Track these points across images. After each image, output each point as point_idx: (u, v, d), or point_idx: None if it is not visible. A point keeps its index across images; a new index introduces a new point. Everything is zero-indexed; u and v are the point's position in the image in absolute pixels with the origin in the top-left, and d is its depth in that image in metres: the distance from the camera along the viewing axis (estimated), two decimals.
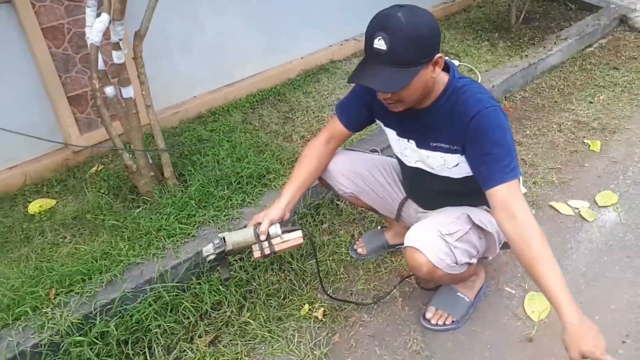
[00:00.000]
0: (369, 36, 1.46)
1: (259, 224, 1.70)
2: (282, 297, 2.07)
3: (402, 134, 1.74)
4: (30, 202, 2.56)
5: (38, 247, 2.25)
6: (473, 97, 1.54)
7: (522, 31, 3.95)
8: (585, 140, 2.86)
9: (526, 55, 3.50)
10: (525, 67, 3.36)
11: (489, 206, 1.78)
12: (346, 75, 3.57)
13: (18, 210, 2.53)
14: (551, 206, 2.42)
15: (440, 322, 1.90)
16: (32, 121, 2.60)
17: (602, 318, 1.86)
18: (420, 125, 1.65)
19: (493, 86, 3.19)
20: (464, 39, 3.94)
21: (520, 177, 1.56)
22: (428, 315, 1.92)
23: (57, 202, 2.56)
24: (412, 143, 1.71)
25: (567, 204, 2.41)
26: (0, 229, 2.39)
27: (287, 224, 1.76)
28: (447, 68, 1.61)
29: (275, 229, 1.70)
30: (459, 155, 1.61)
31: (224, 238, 1.68)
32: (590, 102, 3.21)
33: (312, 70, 3.57)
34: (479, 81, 3.22)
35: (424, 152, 1.69)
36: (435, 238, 1.60)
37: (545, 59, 3.50)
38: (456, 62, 3.53)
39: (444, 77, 1.59)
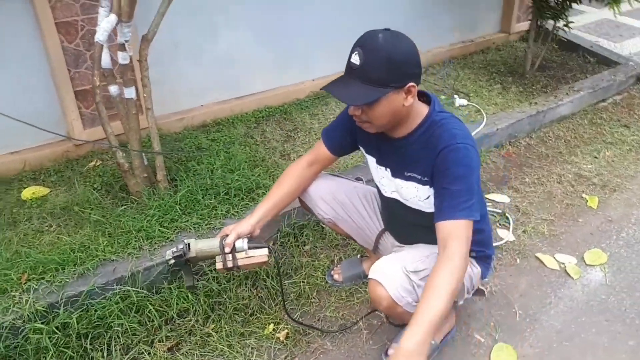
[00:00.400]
0: (351, 50, 1.50)
1: (227, 235, 1.70)
2: (249, 313, 2.06)
3: (380, 161, 1.75)
4: (25, 188, 2.61)
5: (22, 232, 2.28)
6: (448, 132, 1.54)
7: (536, 78, 3.94)
8: (584, 195, 2.81)
9: (536, 103, 3.48)
10: (533, 114, 3.34)
11: None
12: None
13: (12, 194, 2.58)
14: (537, 257, 2.38)
15: None
16: (38, 111, 2.66)
17: None
18: (397, 154, 1.66)
19: (497, 129, 3.17)
20: (477, 80, 3.95)
21: (473, 219, 1.52)
22: (390, 352, 1.88)
23: (50, 191, 2.61)
24: (389, 172, 1.72)
25: (554, 258, 2.37)
26: None
27: (257, 241, 1.76)
28: (430, 101, 1.62)
29: (242, 243, 1.70)
30: (429, 187, 1.61)
31: (188, 244, 1.69)
32: (595, 157, 3.17)
33: (322, 93, 3.60)
34: (484, 123, 3.21)
35: (398, 181, 1.69)
36: (399, 274, 1.59)
37: (555, 108, 3.48)
38: (464, 102, 3.53)
39: (423, 110, 1.60)
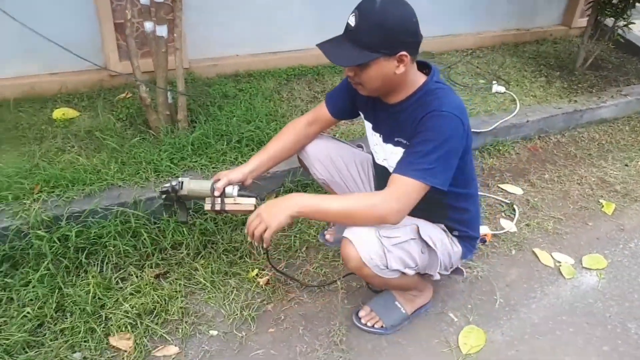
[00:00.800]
0: (352, 11, 1.51)
1: (220, 180, 1.77)
2: (237, 255, 2.15)
3: (375, 127, 1.77)
4: (57, 108, 2.77)
5: (45, 147, 2.45)
6: (438, 99, 1.54)
7: (585, 76, 3.79)
8: (601, 200, 2.73)
9: (575, 101, 3.36)
10: (569, 112, 3.23)
11: (448, 225, 1.79)
12: None
13: (45, 112, 2.75)
14: (534, 252, 2.35)
15: (369, 324, 1.91)
16: (79, 38, 2.79)
17: None
18: (390, 119, 1.68)
19: (527, 121, 3.09)
20: (522, 69, 3.83)
21: (426, 184, 1.52)
22: (361, 313, 1.94)
23: (79, 115, 2.76)
24: (381, 138, 1.74)
25: (551, 255, 2.33)
26: (23, 124, 2.61)
27: (248, 191, 1.82)
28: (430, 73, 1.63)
29: (232, 190, 1.76)
30: None
31: (182, 182, 1.77)
32: (626, 165, 3.05)
33: None
34: (515, 112, 3.14)
35: (388, 147, 1.71)
36: (372, 237, 1.62)
37: (596, 109, 3.35)
38: (502, 89, 3.44)
39: (420, 79, 1.61)
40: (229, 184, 1.77)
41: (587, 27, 3.77)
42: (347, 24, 1.50)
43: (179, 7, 2.40)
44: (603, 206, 2.69)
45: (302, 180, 2.48)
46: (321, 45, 1.55)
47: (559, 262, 2.31)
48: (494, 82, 3.55)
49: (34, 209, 2.02)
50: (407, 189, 1.52)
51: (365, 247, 1.61)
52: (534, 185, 2.81)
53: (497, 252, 2.33)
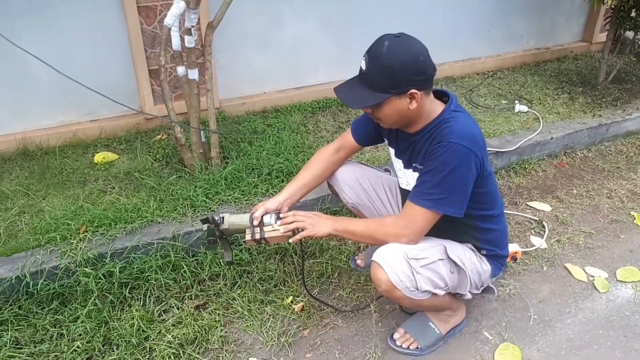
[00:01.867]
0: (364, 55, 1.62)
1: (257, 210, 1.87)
2: (272, 284, 2.22)
3: (397, 154, 1.86)
4: (97, 152, 2.94)
5: (89, 190, 2.60)
6: (449, 128, 1.62)
7: (608, 90, 3.79)
8: (632, 212, 2.71)
9: (600, 115, 3.36)
10: (594, 127, 3.24)
11: (475, 245, 1.83)
12: None
13: (86, 157, 2.92)
14: (566, 267, 2.35)
15: (404, 345, 1.95)
16: (116, 85, 2.98)
17: None
18: (409, 148, 1.76)
19: (552, 138, 3.11)
20: (545, 87, 3.86)
21: (437, 212, 1.63)
22: (396, 335, 1.98)
23: (118, 158, 2.92)
24: (402, 163, 1.82)
25: (584, 270, 2.33)
26: (67, 169, 2.79)
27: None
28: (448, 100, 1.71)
29: (269, 219, 1.85)
30: None
31: (222, 217, 1.87)
32: None
33: None
34: (539, 130, 3.16)
35: (408, 172, 1.79)
36: (400, 259, 1.67)
37: (621, 122, 3.34)
38: (525, 108, 3.47)
39: (438, 108, 1.69)
40: (266, 212, 1.86)
41: (607, 41, 3.79)
42: (360, 67, 1.62)
43: (209, 51, 2.55)
44: (635, 218, 2.67)
45: (330, 207, 2.56)
46: (337, 89, 1.67)
47: (592, 276, 2.31)
48: (517, 101, 3.59)
49: (80, 247, 2.15)
50: (416, 217, 1.65)
51: (394, 269, 1.67)
52: (563, 201, 2.81)
53: (529, 269, 2.35)
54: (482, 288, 1.92)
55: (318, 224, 1.77)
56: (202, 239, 2.32)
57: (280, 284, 2.23)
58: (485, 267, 1.86)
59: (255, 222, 1.84)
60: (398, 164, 1.86)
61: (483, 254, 1.86)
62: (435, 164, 1.60)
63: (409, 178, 1.80)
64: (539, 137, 3.12)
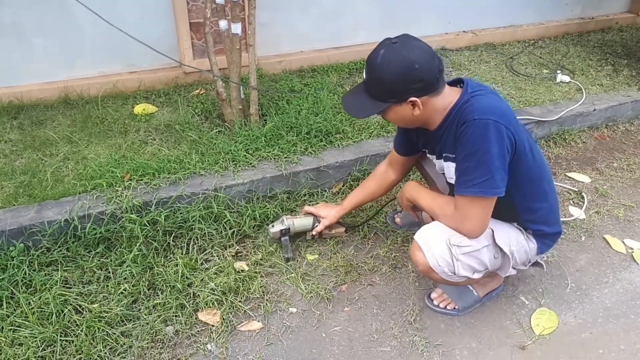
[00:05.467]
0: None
1: (311, 215, 2.22)
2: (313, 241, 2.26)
3: (430, 151, 1.87)
4: (137, 104, 2.97)
5: (130, 140, 2.64)
6: (471, 107, 1.58)
7: None
8: None
9: None
10: (639, 100, 3.16)
11: (521, 223, 1.82)
12: (452, 64, 3.60)
13: (126, 108, 2.95)
14: (604, 238, 2.34)
15: (442, 305, 1.97)
16: (157, 37, 2.97)
17: (605, 353, 1.83)
18: (436, 141, 1.76)
19: (594, 110, 3.06)
20: (588, 58, 3.76)
21: (487, 196, 1.59)
22: (433, 295, 2.00)
23: (158, 110, 2.95)
24: (434, 158, 1.84)
25: (623, 242, 2.32)
26: (108, 119, 2.82)
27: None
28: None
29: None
30: None
31: (288, 227, 2.17)
32: None
33: None
34: (581, 101, 3.10)
35: (442, 163, 1.79)
36: (442, 244, 1.67)
37: None
38: (567, 79, 3.40)
39: (453, 97, 1.65)
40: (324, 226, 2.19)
41: None
42: (363, 76, 1.64)
43: (253, 5, 2.53)
44: None
45: (368, 169, 2.56)
46: (344, 98, 1.71)
47: (632, 248, 2.29)
48: (558, 71, 3.51)
49: (126, 195, 2.19)
50: (468, 208, 1.63)
51: (434, 253, 1.67)
52: (602, 173, 2.78)
53: (567, 238, 2.34)
54: (529, 264, 1.92)
55: (403, 194, 1.93)
56: (242, 192, 2.35)
57: (315, 241, 2.27)
58: (532, 245, 1.84)
59: (315, 234, 2.25)
60: (433, 159, 1.87)
61: (529, 233, 1.85)
62: (467, 147, 1.56)
63: (443, 169, 1.79)
64: (581, 108, 3.06)
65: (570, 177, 2.74)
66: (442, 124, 1.68)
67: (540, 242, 1.86)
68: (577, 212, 2.48)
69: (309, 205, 2.32)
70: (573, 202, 2.57)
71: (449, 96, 1.65)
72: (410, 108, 1.60)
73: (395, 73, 1.53)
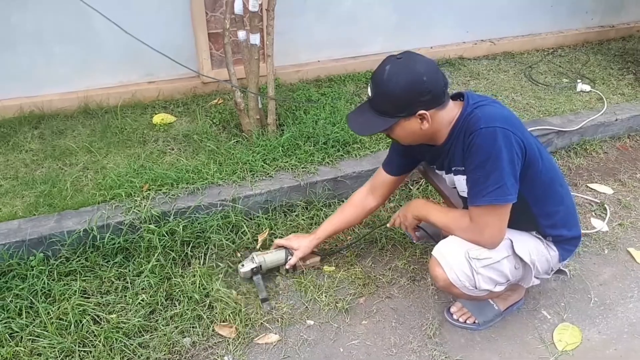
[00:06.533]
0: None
1: (283, 247, 2.11)
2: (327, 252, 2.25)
3: (438, 167, 1.85)
4: (156, 114, 2.99)
5: (149, 150, 2.65)
6: (475, 117, 1.57)
7: None
8: None
9: None
10: None
11: (540, 230, 1.79)
12: (470, 74, 3.57)
13: (145, 118, 2.98)
14: (628, 252, 2.29)
15: (461, 319, 1.94)
16: (175, 47, 2.99)
17: None
18: (442, 157, 1.75)
19: (616, 119, 3.01)
20: (609, 67, 3.71)
21: (501, 204, 1.56)
22: (453, 309, 1.97)
23: (176, 120, 2.97)
24: (443, 173, 1.82)
25: None
26: (127, 129, 2.84)
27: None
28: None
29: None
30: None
31: (260, 265, 2.06)
32: None
33: (437, 61, 3.61)
34: (603, 111, 3.06)
35: (450, 177, 1.77)
36: (461, 258, 1.65)
37: None
38: (587, 88, 3.36)
39: (456, 112, 1.64)
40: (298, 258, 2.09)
41: None
42: (367, 93, 1.62)
43: (272, 16, 2.54)
44: None
45: None
46: (348, 117, 1.69)
47: None
48: (579, 80, 3.47)
49: (145, 205, 2.20)
50: (483, 218, 1.60)
51: (453, 268, 1.65)
52: (625, 185, 2.73)
53: (589, 251, 2.30)
54: (552, 273, 1.88)
55: (404, 218, 1.91)
56: (260, 202, 2.35)
57: (336, 253, 2.25)
58: (553, 252, 1.81)
59: (289, 267, 2.12)
60: (442, 174, 1.85)
61: (549, 240, 1.82)
62: (477, 157, 1.54)
63: (454, 183, 1.77)
64: (602, 118, 3.01)
65: (591, 188, 2.70)
66: (448, 138, 1.67)
67: (561, 248, 1.83)
68: (599, 225, 2.43)
69: (280, 237, 2.22)
70: (595, 214, 2.53)
71: (452, 110, 1.65)
72: (419, 122, 1.60)
73: (404, 86, 1.53)
